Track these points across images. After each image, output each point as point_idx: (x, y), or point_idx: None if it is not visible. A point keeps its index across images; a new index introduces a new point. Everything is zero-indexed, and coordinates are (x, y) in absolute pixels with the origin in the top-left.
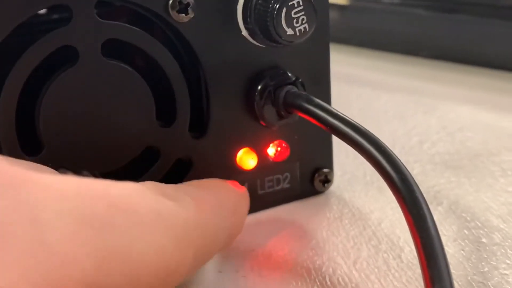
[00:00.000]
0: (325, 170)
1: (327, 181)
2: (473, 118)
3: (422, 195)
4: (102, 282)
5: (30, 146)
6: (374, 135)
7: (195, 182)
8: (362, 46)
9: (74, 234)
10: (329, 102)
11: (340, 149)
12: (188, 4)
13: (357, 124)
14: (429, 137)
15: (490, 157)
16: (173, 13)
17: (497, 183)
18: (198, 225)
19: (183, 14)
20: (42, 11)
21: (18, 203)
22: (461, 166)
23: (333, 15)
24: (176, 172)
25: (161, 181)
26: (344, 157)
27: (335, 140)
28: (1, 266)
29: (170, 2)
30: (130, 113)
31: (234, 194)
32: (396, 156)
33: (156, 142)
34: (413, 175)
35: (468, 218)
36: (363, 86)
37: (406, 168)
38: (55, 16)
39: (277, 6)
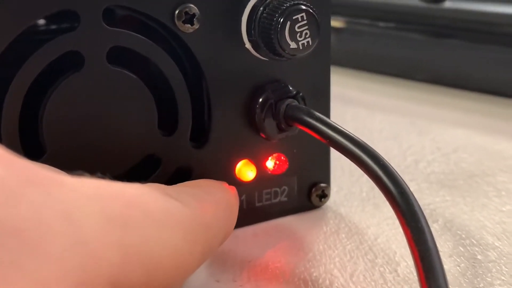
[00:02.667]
0: (322, 184)
1: (324, 195)
2: (467, 140)
3: (420, 207)
4: (125, 277)
5: (31, 150)
6: (373, 149)
7: (190, 183)
8: (357, 68)
9: (103, 232)
10: (328, 116)
11: (336, 166)
12: (194, 15)
13: (357, 138)
14: (424, 157)
15: (485, 178)
16: (179, 23)
17: (491, 202)
18: (202, 223)
19: (189, 25)
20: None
21: (53, 201)
22: (456, 186)
23: None
24: (175, 181)
25: None
26: (340, 173)
27: (331, 156)
28: (44, 261)
29: (176, 12)
30: (133, 121)
31: (227, 194)
32: (395, 170)
33: (157, 150)
34: None
35: (463, 236)
36: (358, 106)
37: (404, 181)
38: (54, 27)
39: (281, 19)
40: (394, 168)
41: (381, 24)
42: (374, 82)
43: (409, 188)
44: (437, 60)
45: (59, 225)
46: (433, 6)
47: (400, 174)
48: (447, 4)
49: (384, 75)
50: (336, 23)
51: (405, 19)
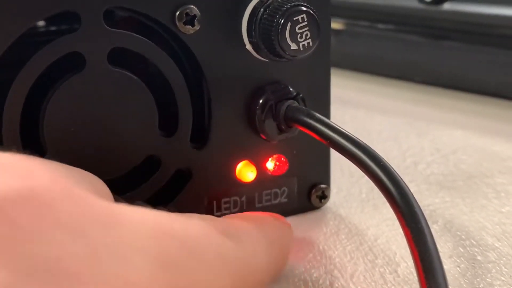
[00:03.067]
0: (322, 186)
1: (324, 197)
2: (466, 142)
3: (420, 208)
4: None
5: (32, 150)
6: (374, 150)
7: (246, 216)
8: (356, 70)
9: (152, 274)
10: (328, 118)
11: (336, 167)
12: (194, 16)
13: (357, 139)
14: (423, 158)
15: (484, 179)
16: (180, 25)
17: (491, 204)
18: (253, 265)
19: (190, 26)
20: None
21: (110, 241)
22: (456, 187)
23: None
24: (175, 183)
25: (160, 190)
26: (339, 174)
27: (331, 157)
28: None
29: (177, 13)
30: (133, 122)
31: (282, 231)
32: (395, 171)
33: (158, 152)
34: None
35: (463, 237)
36: (357, 108)
37: (404, 182)
38: (54, 28)
39: (282, 21)
40: (394, 169)
41: (380, 26)
42: (373, 83)
43: (409, 189)
44: (436, 61)
45: (113, 266)
46: (432, 8)
47: (400, 175)
48: (446, 6)
49: (383, 77)
50: (335, 25)
51: (404, 21)
